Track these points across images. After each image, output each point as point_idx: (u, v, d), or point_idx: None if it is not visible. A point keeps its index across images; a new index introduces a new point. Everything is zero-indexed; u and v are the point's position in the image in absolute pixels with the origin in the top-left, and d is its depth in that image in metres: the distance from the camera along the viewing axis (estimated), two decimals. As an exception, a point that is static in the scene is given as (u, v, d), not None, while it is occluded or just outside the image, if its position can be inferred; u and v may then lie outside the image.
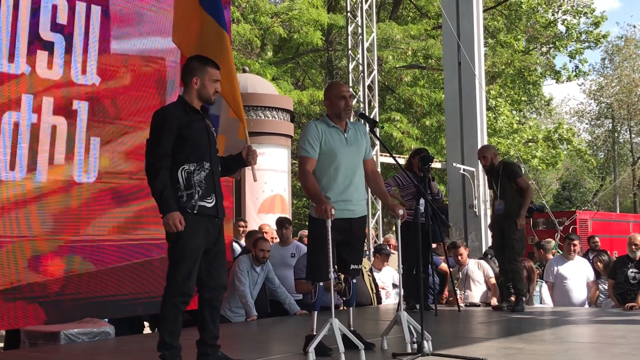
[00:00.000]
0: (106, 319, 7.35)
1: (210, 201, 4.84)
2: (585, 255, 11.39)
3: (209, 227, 4.84)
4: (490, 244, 10.76)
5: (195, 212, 4.75)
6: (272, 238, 9.87)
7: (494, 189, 8.77)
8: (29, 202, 6.85)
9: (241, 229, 10.29)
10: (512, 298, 8.55)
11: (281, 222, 9.47)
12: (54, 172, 7.03)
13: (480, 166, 9.69)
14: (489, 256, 10.58)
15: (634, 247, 8.89)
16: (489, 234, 11.34)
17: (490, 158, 8.74)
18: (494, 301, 9.08)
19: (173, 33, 6.16)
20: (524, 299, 8.50)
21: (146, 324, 9.15)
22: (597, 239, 12.97)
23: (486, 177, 9.23)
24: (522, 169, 8.73)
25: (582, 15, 30.49)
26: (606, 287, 9.39)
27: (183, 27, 6.03)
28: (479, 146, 11.92)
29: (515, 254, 8.53)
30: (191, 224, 4.71)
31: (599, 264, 9.87)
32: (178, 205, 4.70)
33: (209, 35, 5.87)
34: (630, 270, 8.84)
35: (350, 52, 11.85)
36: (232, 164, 5.24)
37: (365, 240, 9.44)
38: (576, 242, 9.86)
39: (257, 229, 10.36)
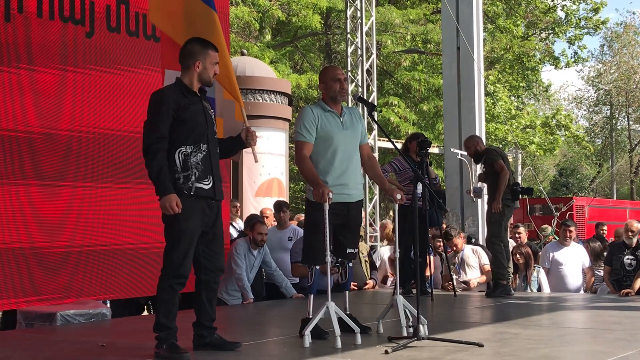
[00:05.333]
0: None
1: (207, 183, 4.84)
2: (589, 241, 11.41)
3: (206, 208, 4.84)
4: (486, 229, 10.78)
5: (192, 194, 4.76)
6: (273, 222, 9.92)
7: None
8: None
9: (234, 209, 10.30)
10: (504, 282, 8.59)
11: (279, 206, 9.48)
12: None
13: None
14: (472, 240, 10.63)
15: (630, 233, 8.90)
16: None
17: (474, 147, 8.82)
18: (474, 282, 9.15)
19: (150, 11, 6.10)
20: (504, 282, 8.51)
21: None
22: (605, 227, 12.96)
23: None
24: (499, 153, 8.71)
25: (581, 1, 30.41)
26: (601, 273, 9.42)
27: (163, 7, 5.97)
28: (477, 131, 11.92)
29: (492, 237, 8.59)
30: (188, 206, 4.71)
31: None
32: (175, 187, 4.70)
33: (197, 17, 5.84)
34: (626, 257, 8.85)
35: (349, 36, 11.82)
36: (231, 146, 5.25)
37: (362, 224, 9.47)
38: (572, 228, 9.88)
39: (254, 212, 10.39)
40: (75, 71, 7.36)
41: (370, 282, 9.53)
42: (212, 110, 5.09)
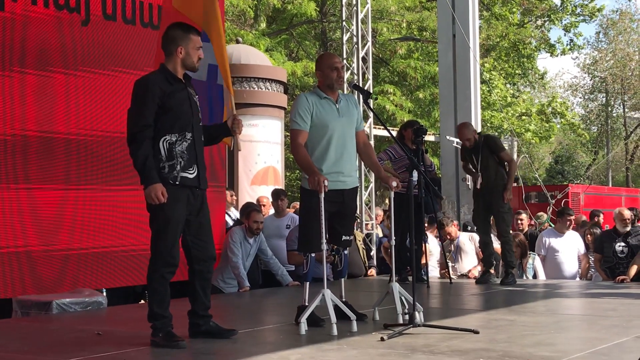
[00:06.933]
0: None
1: (192, 172, 4.82)
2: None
3: (190, 197, 4.83)
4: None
5: (177, 183, 4.74)
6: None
7: (473, 162, 8.71)
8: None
9: (230, 197, 10.33)
10: (492, 271, 8.61)
11: (277, 194, 9.48)
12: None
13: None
14: (469, 228, 10.63)
15: (627, 220, 8.93)
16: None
17: (473, 136, 8.71)
18: (474, 272, 9.15)
19: None
20: (513, 271, 8.54)
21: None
22: (601, 217, 12.94)
23: (461, 149, 9.13)
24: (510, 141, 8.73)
25: (577, -12, 30.36)
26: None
27: None
28: (473, 119, 11.90)
29: (505, 227, 8.56)
30: (172, 195, 4.70)
31: (589, 236, 9.92)
32: (160, 177, 4.67)
33: (207, 3, 5.84)
34: (618, 244, 8.91)
35: (344, 23, 11.77)
36: (216, 133, 5.23)
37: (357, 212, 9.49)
38: (572, 217, 9.93)
39: (250, 200, 10.38)
40: (68, 73, 7.29)
41: (373, 271, 9.56)
42: (197, 97, 5.05)
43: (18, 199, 6.85)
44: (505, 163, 8.64)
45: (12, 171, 6.82)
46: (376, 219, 11.43)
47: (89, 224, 7.38)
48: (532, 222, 12.86)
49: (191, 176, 4.82)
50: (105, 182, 7.50)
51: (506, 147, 10.23)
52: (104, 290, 7.70)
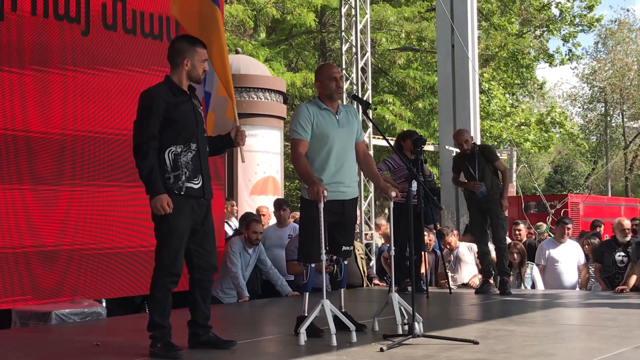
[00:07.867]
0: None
1: (197, 182, 4.84)
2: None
3: (195, 207, 4.85)
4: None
5: (182, 193, 4.76)
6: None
7: (469, 171, 8.72)
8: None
9: (231, 207, 10.35)
10: (491, 281, 8.62)
11: (279, 204, 9.49)
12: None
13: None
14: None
15: (627, 230, 8.93)
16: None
17: (471, 141, 8.76)
18: (474, 281, 9.16)
19: (172, 6, 6.13)
20: (508, 279, 8.56)
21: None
22: (602, 227, 12.93)
23: (456, 160, 9.14)
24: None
25: (575, -1, 30.41)
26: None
27: (183, 2, 6.03)
28: (472, 129, 11.91)
29: (504, 234, 8.64)
30: (177, 205, 4.72)
31: (586, 246, 9.93)
32: (165, 187, 4.70)
33: (206, 12, 5.88)
34: (618, 254, 8.92)
35: (343, 34, 11.78)
36: (220, 144, 5.24)
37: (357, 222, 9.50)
38: (570, 226, 9.93)
39: (250, 210, 10.39)
40: (75, 70, 7.31)
41: (377, 280, 9.61)
42: (201, 108, 5.08)
43: (13, 200, 6.83)
44: (499, 172, 8.69)
45: (5, 169, 6.79)
46: (380, 229, 11.43)
47: (89, 225, 7.37)
48: (532, 232, 12.87)
49: (196, 186, 4.84)
50: (107, 183, 7.52)
51: (505, 157, 10.29)
52: (104, 300, 7.70)
